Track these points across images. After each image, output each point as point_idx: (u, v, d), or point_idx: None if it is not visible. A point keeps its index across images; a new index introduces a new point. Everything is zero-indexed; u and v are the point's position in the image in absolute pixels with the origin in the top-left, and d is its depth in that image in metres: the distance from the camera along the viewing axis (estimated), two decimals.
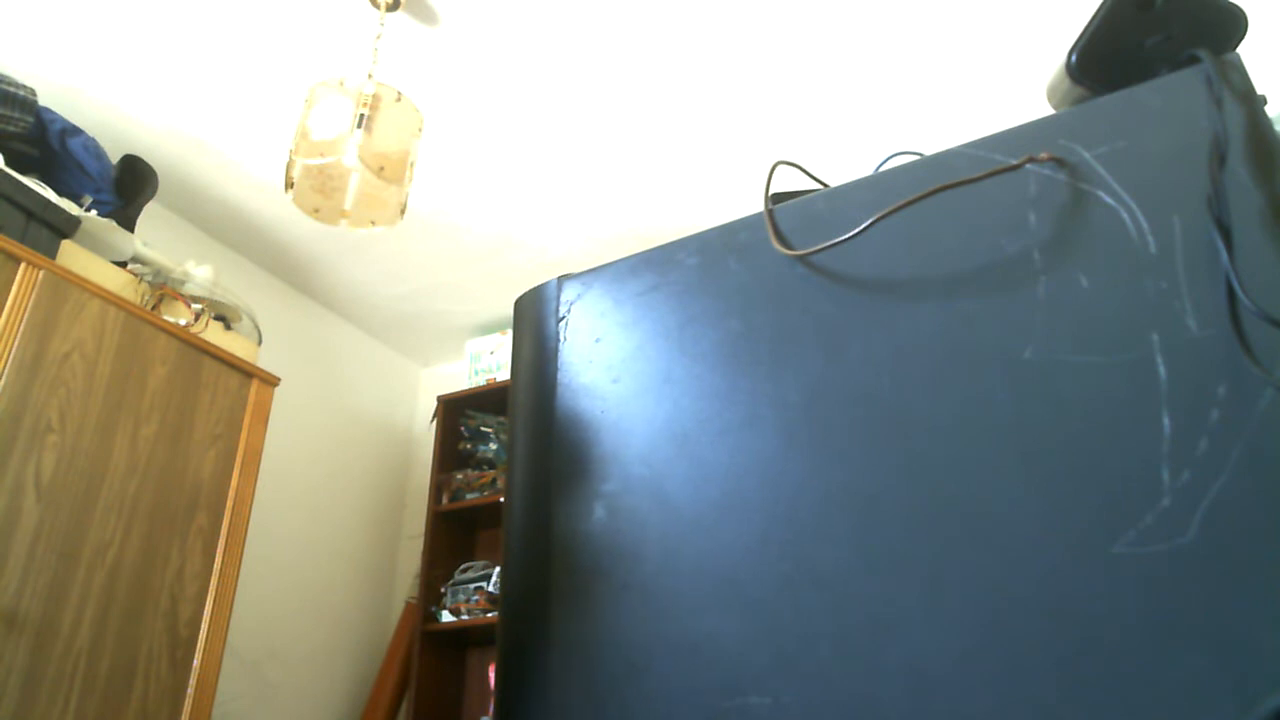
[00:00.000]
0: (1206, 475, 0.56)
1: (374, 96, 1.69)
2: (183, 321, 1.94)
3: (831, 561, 0.66)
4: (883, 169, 0.81)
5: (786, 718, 0.63)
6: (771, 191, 0.88)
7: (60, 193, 1.85)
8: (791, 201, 0.82)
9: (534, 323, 0.93)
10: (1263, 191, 0.60)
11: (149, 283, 1.92)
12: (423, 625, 2.70)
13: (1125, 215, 0.65)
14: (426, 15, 1.95)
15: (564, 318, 0.90)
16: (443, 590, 2.77)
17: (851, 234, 0.75)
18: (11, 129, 1.86)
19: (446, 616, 2.70)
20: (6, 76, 1.87)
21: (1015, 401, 0.63)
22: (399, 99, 1.74)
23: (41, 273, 1.65)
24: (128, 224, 2.07)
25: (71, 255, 1.76)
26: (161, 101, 2.20)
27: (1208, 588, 0.53)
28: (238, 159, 2.40)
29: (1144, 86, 0.69)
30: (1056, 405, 0.62)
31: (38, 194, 1.72)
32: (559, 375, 0.87)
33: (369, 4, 1.90)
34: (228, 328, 2.08)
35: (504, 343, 3.14)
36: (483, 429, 2.97)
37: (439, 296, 3.08)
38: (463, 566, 2.83)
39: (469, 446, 2.96)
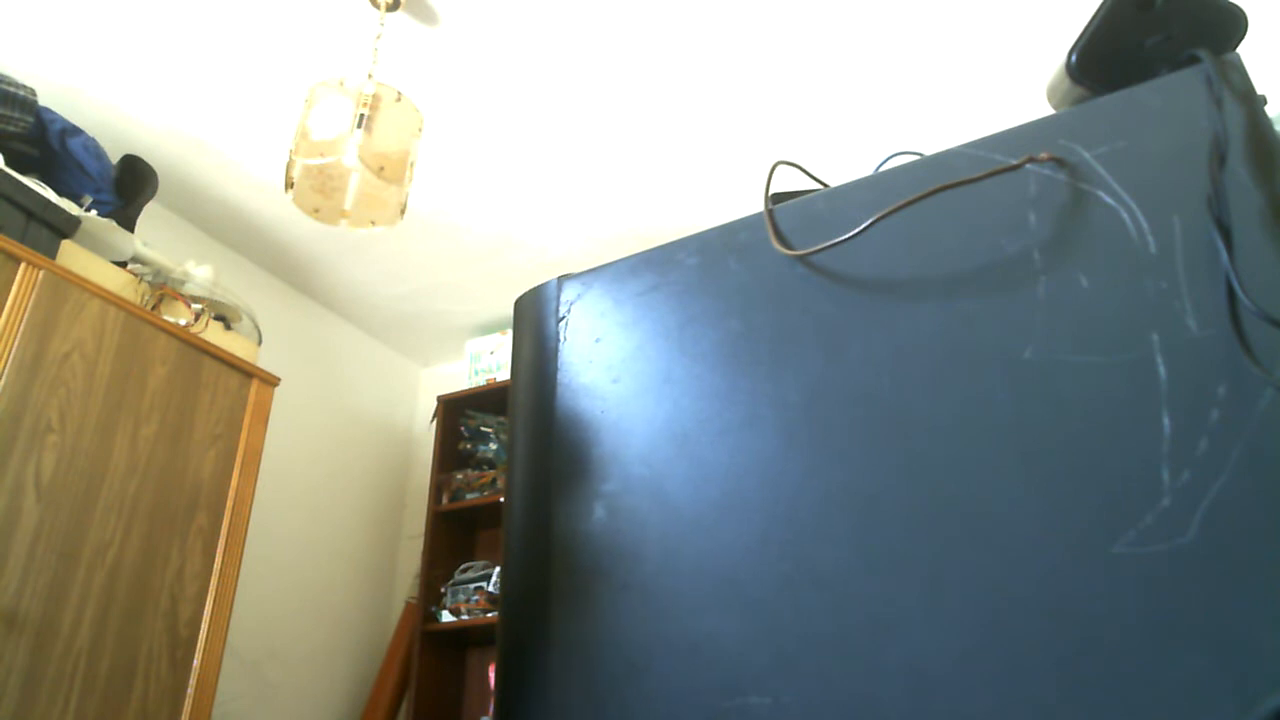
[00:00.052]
0: (1206, 475, 0.56)
1: (374, 96, 1.69)
2: (183, 321, 1.94)
3: (831, 561, 0.66)
4: (883, 169, 0.81)
5: (786, 718, 0.63)
6: (771, 191, 0.88)
7: (60, 193, 1.85)
8: (791, 201, 0.82)
9: (534, 323, 0.93)
10: (1263, 191, 0.60)
11: (149, 283, 1.92)
12: (423, 625, 2.70)
13: (1125, 215, 0.65)
14: (426, 15, 1.95)
15: (564, 318, 0.90)
16: (443, 590, 2.77)
17: (851, 234, 0.75)
18: (11, 129, 1.86)
19: (446, 616, 2.70)
20: (6, 76, 1.87)
21: (1015, 401, 0.63)
22: (399, 99, 1.74)
23: (41, 273, 1.65)
24: (128, 224, 2.07)
25: (71, 255, 1.76)
26: (161, 101, 2.20)
27: (1208, 588, 0.53)
28: (238, 159, 2.40)
29: (1144, 86, 0.69)
30: (1056, 405, 0.62)
31: (38, 194, 1.72)
32: (559, 375, 0.87)
33: (369, 4, 1.90)
34: (228, 328, 2.08)
35: (504, 343, 3.14)
36: (483, 429, 2.97)
37: (439, 296, 3.08)
38: (463, 566, 2.83)
39: (469, 446, 2.96)
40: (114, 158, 2.17)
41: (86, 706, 1.53)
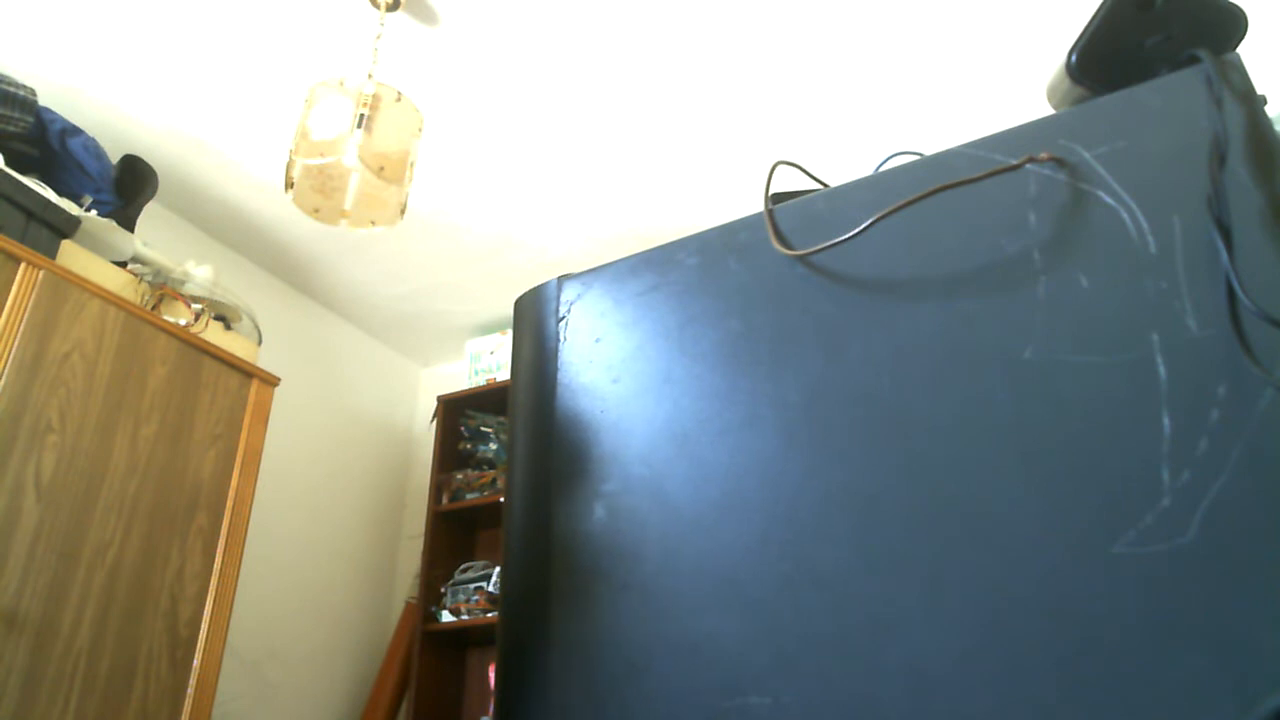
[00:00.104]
0: (1206, 475, 0.56)
1: (374, 96, 1.69)
2: (183, 321, 1.94)
3: (831, 561, 0.66)
4: (883, 169, 0.81)
5: (786, 718, 0.63)
6: (771, 191, 0.88)
7: (60, 193, 1.85)
8: (791, 201, 0.82)
9: (534, 323, 0.93)
10: (1263, 191, 0.60)
11: (149, 283, 1.92)
12: (423, 625, 2.70)
13: (1125, 215, 0.65)
14: (426, 15, 1.95)
15: (564, 318, 0.90)
16: (443, 590, 2.77)
17: (851, 234, 0.75)
18: (11, 129, 1.86)
19: (446, 616, 2.70)
20: (6, 76, 1.87)
21: (1015, 401, 0.63)
22: (399, 99, 1.74)
23: (41, 273, 1.65)
24: (128, 224, 2.07)
25: (71, 255, 1.76)
26: (161, 101, 2.20)
27: (1208, 588, 0.53)
28: (238, 159, 2.40)
29: (1144, 86, 0.69)
30: (1056, 405, 0.62)
31: (38, 194, 1.72)
32: (559, 375, 0.87)
33: (369, 4, 1.90)
34: (228, 328, 2.08)
35: (504, 343, 3.14)
36: (483, 429, 2.97)
37: (439, 296, 3.08)
38: (463, 566, 2.83)
39: (469, 446, 2.96)
40: (114, 158, 2.17)
41: (86, 706, 1.53)
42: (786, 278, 0.78)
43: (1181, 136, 0.65)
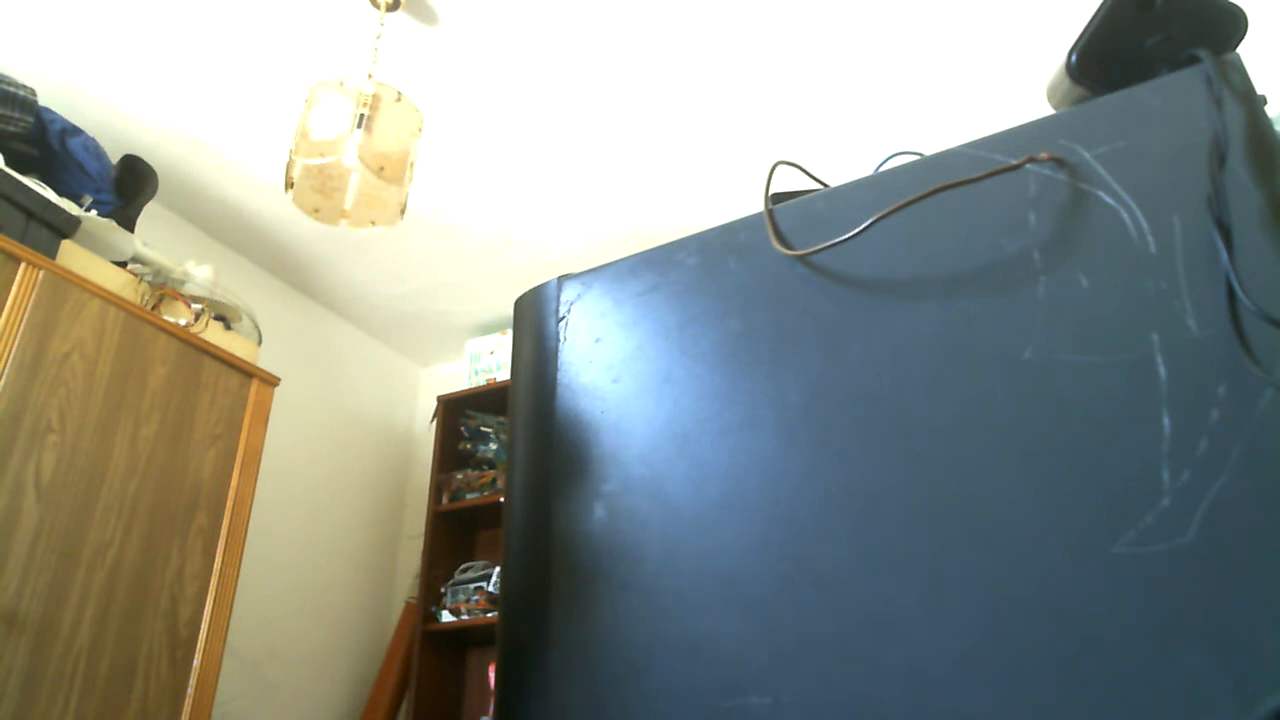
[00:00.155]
0: (1206, 475, 0.56)
1: (374, 96, 1.69)
2: (183, 321, 1.94)
3: (831, 561, 0.66)
4: (883, 169, 0.81)
5: (786, 718, 0.63)
6: (771, 191, 0.88)
7: (60, 193, 1.85)
8: (791, 201, 0.82)
9: (534, 323, 0.93)
10: (1263, 191, 0.60)
11: (149, 283, 1.92)
12: (423, 625, 2.70)
13: (1125, 215, 0.65)
14: (426, 15, 1.95)
15: (564, 318, 0.90)
16: (443, 590, 2.77)
17: (851, 234, 0.75)
18: (11, 129, 1.86)
19: (446, 616, 2.70)
20: (6, 76, 1.87)
21: (1015, 401, 0.63)
22: (399, 99, 1.74)
23: (41, 273, 1.65)
24: (128, 224, 2.07)
25: (71, 255, 1.76)
26: (161, 101, 2.20)
27: (1208, 588, 0.53)
28: (238, 159, 2.40)
29: (1144, 86, 0.69)
30: (1056, 405, 0.62)
31: (38, 194, 1.72)
32: (559, 375, 0.87)
33: (369, 4, 1.90)
34: (228, 328, 2.08)
35: (504, 343, 3.14)
36: (483, 429, 2.97)
37: (439, 296, 3.08)
38: (463, 566, 2.83)
39: (469, 446, 2.96)
40: (114, 158, 2.17)
41: (86, 706, 1.53)
42: (786, 278, 0.78)
43: (1181, 136, 0.65)
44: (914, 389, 0.68)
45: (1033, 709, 0.55)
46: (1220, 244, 0.59)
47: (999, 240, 0.69)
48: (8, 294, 1.58)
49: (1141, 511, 0.57)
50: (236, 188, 2.51)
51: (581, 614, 0.75)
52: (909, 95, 2.20)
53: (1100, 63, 0.74)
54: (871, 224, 0.74)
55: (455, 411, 3.05)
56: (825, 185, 0.87)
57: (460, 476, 2.89)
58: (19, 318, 1.59)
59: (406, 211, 1.90)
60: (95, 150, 2.04)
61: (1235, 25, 0.71)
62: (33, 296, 1.62)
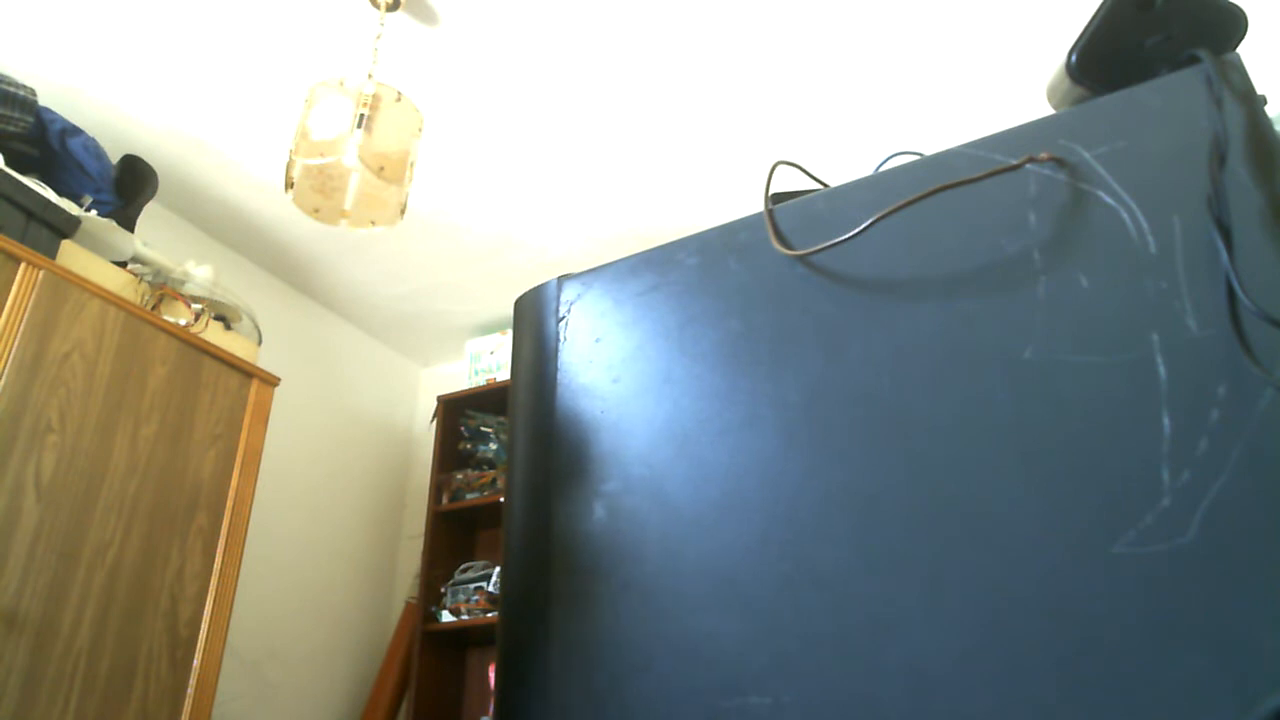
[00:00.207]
0: (1206, 475, 0.56)
1: (374, 96, 1.69)
2: (183, 321, 1.94)
3: (831, 561, 0.66)
4: (883, 169, 0.81)
5: (786, 718, 0.63)
6: (771, 191, 0.88)
7: (60, 193, 1.85)
8: (791, 201, 0.82)
9: (534, 323, 0.93)
10: (1263, 191, 0.60)
11: (149, 283, 1.92)
12: (423, 625, 2.70)
13: (1125, 215, 0.65)
14: (426, 15, 1.95)
15: (564, 318, 0.90)
16: (443, 590, 2.77)
17: (851, 234, 0.75)
18: (11, 129, 1.86)
19: (446, 616, 2.70)
20: (6, 76, 1.87)
21: (1015, 401, 0.63)
22: (399, 99, 1.74)
23: (41, 273, 1.65)
24: (128, 224, 2.07)
25: (71, 255, 1.76)
26: (161, 101, 2.20)
27: (1208, 588, 0.53)
28: (238, 159, 2.40)
29: (1144, 86, 0.69)
30: (1056, 405, 0.62)
31: (38, 194, 1.72)
32: (559, 375, 0.87)
33: (369, 4, 1.90)
34: (228, 328, 2.08)
35: (504, 343, 3.14)
36: (483, 429, 2.97)
37: (439, 296, 3.08)
38: (463, 566, 2.83)
39: (469, 446, 2.96)
40: (114, 158, 2.17)
41: (86, 706, 1.53)
42: (786, 278, 0.78)
43: (1181, 136, 0.65)
44: (914, 389, 0.68)
45: (1033, 709, 0.55)
46: (1220, 244, 0.59)
47: (999, 240, 0.69)
48: (8, 294, 1.58)
49: (1141, 511, 0.57)
50: (236, 188, 2.51)
51: (581, 614, 0.75)
52: (909, 95, 2.20)
53: (1100, 63, 0.74)
54: (871, 224, 0.74)
55: (455, 411, 3.05)
56: (825, 185, 0.87)
57: (460, 476, 2.90)
58: (19, 318, 1.59)
59: (406, 211, 1.90)
60: (95, 150, 2.04)
61: (1235, 25, 0.71)
62: (33, 296, 1.63)
